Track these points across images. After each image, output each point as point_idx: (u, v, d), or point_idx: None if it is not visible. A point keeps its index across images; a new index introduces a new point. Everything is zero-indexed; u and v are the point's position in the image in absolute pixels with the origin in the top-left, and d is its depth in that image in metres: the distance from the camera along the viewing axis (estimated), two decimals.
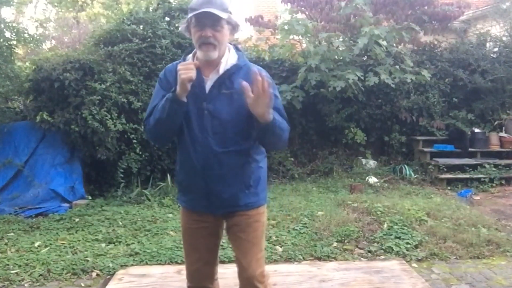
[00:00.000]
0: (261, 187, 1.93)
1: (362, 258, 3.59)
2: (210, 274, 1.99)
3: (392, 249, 3.69)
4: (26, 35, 5.55)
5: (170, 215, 4.51)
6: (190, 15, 1.71)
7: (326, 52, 6.01)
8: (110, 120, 5.09)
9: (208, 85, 1.77)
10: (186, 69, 1.66)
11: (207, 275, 1.98)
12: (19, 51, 6.52)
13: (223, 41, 1.74)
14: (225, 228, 1.98)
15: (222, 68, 1.77)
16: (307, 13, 7.30)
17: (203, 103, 1.76)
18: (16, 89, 5.49)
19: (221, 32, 1.71)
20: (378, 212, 4.40)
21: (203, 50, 1.72)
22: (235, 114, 1.74)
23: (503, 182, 6.26)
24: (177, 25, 5.72)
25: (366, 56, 6.63)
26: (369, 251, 3.70)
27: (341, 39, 6.29)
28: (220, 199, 1.84)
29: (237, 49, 1.86)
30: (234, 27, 1.78)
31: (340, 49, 6.22)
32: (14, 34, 5.44)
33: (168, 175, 5.39)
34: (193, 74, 1.66)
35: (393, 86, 6.18)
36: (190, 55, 1.83)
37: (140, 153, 5.36)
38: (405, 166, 6.52)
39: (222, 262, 3.38)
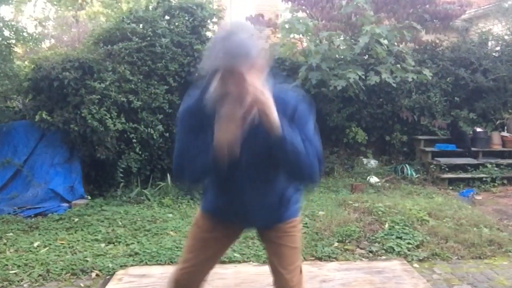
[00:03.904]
0: (296, 200, 1.83)
1: (363, 258, 3.56)
2: (199, 281, 1.89)
3: (394, 249, 3.67)
4: (25, 34, 5.52)
5: (170, 215, 4.49)
6: (210, 64, 1.45)
7: (327, 51, 5.99)
8: (110, 119, 5.07)
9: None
10: (226, 131, 1.48)
11: (196, 281, 1.88)
12: (18, 50, 6.49)
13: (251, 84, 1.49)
14: (262, 239, 1.93)
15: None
16: (308, 11, 7.28)
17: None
18: (15, 88, 5.46)
19: (248, 84, 1.44)
20: (379, 212, 4.38)
21: (226, 106, 1.48)
22: (265, 145, 1.53)
23: (505, 181, 6.23)
24: (176, 23, 5.70)
25: (367, 55, 6.60)
26: (370, 251, 3.68)
27: (342, 38, 6.26)
28: (253, 221, 1.81)
29: (269, 74, 1.60)
30: (263, 66, 1.51)
31: (341, 48, 6.19)
32: (13, 33, 5.40)
33: (168, 174, 5.36)
34: (235, 140, 1.49)
35: (394, 85, 6.16)
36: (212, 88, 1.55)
37: (140, 152, 5.33)
38: (407, 165, 6.49)
39: (222, 262, 3.35)
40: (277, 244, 1.80)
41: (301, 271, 1.86)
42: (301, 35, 6.69)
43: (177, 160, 1.63)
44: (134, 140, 5.31)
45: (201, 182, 1.75)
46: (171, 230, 4.00)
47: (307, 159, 1.55)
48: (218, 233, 1.83)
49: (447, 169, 6.40)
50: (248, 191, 1.68)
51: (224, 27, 1.52)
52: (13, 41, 5.47)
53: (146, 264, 3.35)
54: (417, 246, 3.74)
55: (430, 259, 3.57)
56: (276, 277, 1.81)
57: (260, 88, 1.45)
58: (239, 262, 3.39)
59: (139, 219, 4.32)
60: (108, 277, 3.16)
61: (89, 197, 5.02)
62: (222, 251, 1.93)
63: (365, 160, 6.62)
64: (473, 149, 6.63)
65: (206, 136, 1.53)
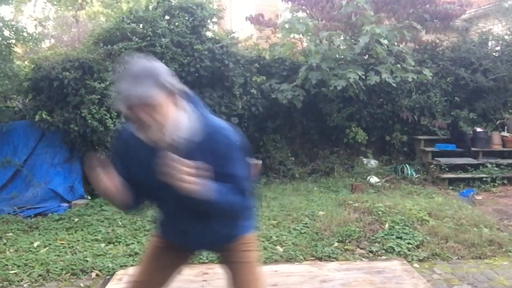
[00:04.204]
0: (240, 220, 1.76)
1: (363, 258, 3.56)
2: None
3: (394, 249, 3.67)
4: (25, 33, 5.52)
5: None
6: (118, 105, 1.46)
7: (327, 51, 5.99)
8: (110, 119, 5.06)
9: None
10: (96, 181, 1.52)
11: None
12: (18, 50, 6.49)
13: (163, 115, 1.45)
14: (218, 257, 1.92)
15: (176, 141, 1.49)
16: (308, 11, 7.27)
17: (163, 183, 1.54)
18: (15, 88, 5.46)
19: (154, 109, 1.42)
20: (380, 212, 4.38)
21: (142, 133, 1.48)
22: None
23: (505, 181, 6.22)
24: (176, 23, 5.70)
25: (367, 55, 6.60)
26: (370, 251, 3.67)
27: (342, 38, 6.26)
28: (199, 244, 1.80)
29: (190, 99, 1.57)
30: (170, 91, 1.46)
31: (341, 48, 6.19)
32: (13, 32, 5.40)
33: None
34: (102, 186, 1.53)
35: (394, 85, 6.15)
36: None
37: None
38: (407, 165, 6.49)
39: None
40: (231, 262, 1.79)
41: (261, 284, 1.82)
42: (301, 35, 6.69)
43: None
44: None
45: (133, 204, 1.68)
46: None
47: (230, 209, 1.59)
48: (170, 251, 1.80)
49: (447, 169, 6.39)
50: (185, 217, 1.66)
51: (126, 65, 1.49)
52: (13, 41, 5.47)
53: None
54: (417, 246, 3.74)
55: (430, 259, 3.57)
56: None
57: (183, 178, 1.40)
58: None
59: (139, 219, 4.31)
60: (108, 277, 3.16)
61: (89, 197, 5.01)
62: (173, 269, 1.85)
63: (365, 160, 6.62)
64: (473, 149, 6.62)
65: (130, 162, 1.60)
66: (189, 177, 1.41)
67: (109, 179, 1.54)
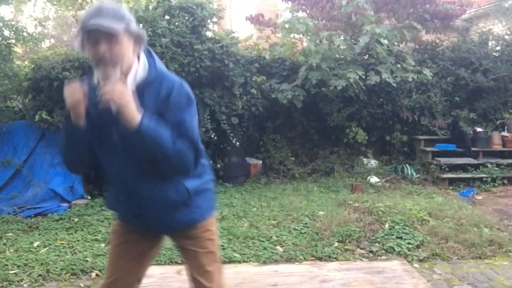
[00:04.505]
0: (202, 200, 1.73)
1: (363, 258, 3.56)
2: None
3: (394, 249, 3.66)
4: (25, 33, 5.52)
5: None
6: (79, 31, 1.50)
7: (327, 50, 5.98)
8: None
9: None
10: (72, 92, 1.53)
11: None
12: (18, 49, 6.48)
13: (124, 55, 1.50)
14: (175, 245, 1.85)
15: (129, 86, 1.53)
16: (308, 11, 7.27)
17: (111, 127, 1.56)
18: (15, 88, 5.46)
19: (119, 45, 1.48)
20: (380, 212, 4.38)
21: (101, 69, 1.51)
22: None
23: (506, 181, 6.22)
24: (176, 23, 5.69)
25: (367, 55, 6.60)
26: (371, 251, 3.67)
27: (342, 38, 6.26)
28: (154, 223, 1.70)
29: (150, 55, 1.62)
30: (137, 37, 1.54)
31: (341, 47, 6.19)
32: (12, 32, 5.40)
33: None
34: (78, 96, 1.52)
35: (394, 85, 6.15)
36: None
37: None
38: (407, 165, 6.49)
39: (223, 262, 3.35)
40: (191, 251, 1.73)
41: (221, 275, 1.80)
42: (301, 35, 6.68)
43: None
44: None
45: (81, 161, 1.69)
46: None
47: (172, 150, 1.52)
48: (133, 236, 1.74)
49: (447, 169, 6.39)
50: (140, 186, 1.61)
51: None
52: (13, 41, 5.47)
53: None
54: (417, 246, 3.74)
55: (430, 259, 3.56)
56: (195, 285, 1.74)
57: (114, 86, 1.47)
58: (239, 262, 3.39)
59: None
60: None
61: (89, 197, 5.01)
62: (144, 256, 1.78)
63: (365, 160, 6.61)
64: (473, 149, 6.61)
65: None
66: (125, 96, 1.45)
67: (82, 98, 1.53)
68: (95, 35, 1.47)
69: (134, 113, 1.47)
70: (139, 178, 1.61)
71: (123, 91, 1.46)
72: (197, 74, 5.67)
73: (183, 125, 1.55)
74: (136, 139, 1.49)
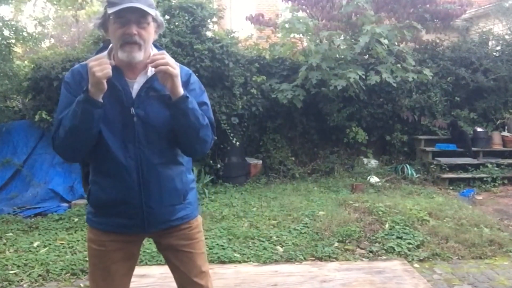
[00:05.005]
0: (193, 197, 1.74)
1: (363, 259, 3.56)
2: None
3: (394, 249, 3.66)
4: (25, 33, 5.52)
5: None
6: (110, 10, 1.46)
7: (327, 50, 5.98)
8: None
9: (135, 88, 1.56)
10: (101, 65, 1.42)
11: None
12: (18, 49, 6.50)
13: (149, 40, 1.54)
14: (161, 248, 1.78)
15: (151, 70, 1.55)
16: (308, 11, 7.27)
17: (130, 109, 1.54)
18: (15, 88, 5.46)
19: (147, 29, 1.51)
20: (380, 212, 4.37)
21: (126, 51, 1.49)
22: (168, 119, 1.55)
23: (506, 181, 6.22)
24: (176, 23, 5.68)
25: (367, 55, 6.60)
26: (371, 251, 3.67)
27: (342, 38, 6.25)
28: (155, 216, 1.62)
29: (157, 48, 1.65)
30: (159, 26, 1.59)
31: (341, 47, 6.19)
32: (12, 32, 5.41)
33: None
34: (109, 70, 1.43)
35: (394, 85, 6.15)
36: (105, 53, 1.57)
37: None
38: (407, 165, 6.48)
39: (222, 262, 3.36)
40: (187, 253, 1.70)
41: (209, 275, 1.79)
42: (301, 35, 6.68)
43: (57, 132, 1.55)
44: None
45: (86, 145, 1.56)
46: None
47: (204, 127, 1.58)
48: (114, 245, 1.65)
49: (447, 169, 6.38)
50: (154, 174, 1.56)
51: None
52: (13, 41, 5.48)
53: (146, 264, 3.35)
54: (418, 246, 3.73)
55: (430, 259, 3.56)
56: (189, 287, 1.72)
57: (165, 56, 1.51)
58: (239, 262, 3.39)
59: None
60: None
61: None
62: (127, 266, 1.72)
63: (365, 160, 6.61)
64: (473, 149, 6.61)
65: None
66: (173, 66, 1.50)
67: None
68: (127, 16, 1.47)
69: (180, 84, 1.52)
70: (155, 164, 1.57)
71: (173, 62, 1.51)
72: (197, 74, 5.66)
73: (204, 107, 1.63)
74: (181, 109, 1.52)
